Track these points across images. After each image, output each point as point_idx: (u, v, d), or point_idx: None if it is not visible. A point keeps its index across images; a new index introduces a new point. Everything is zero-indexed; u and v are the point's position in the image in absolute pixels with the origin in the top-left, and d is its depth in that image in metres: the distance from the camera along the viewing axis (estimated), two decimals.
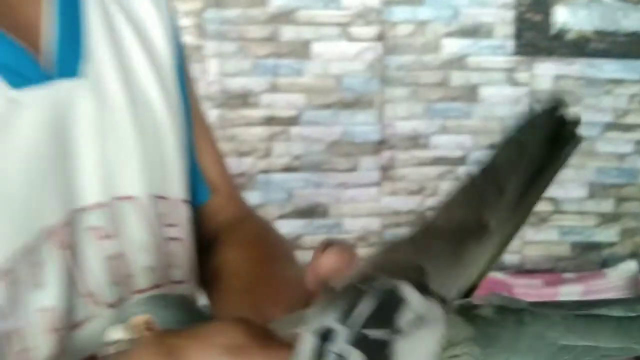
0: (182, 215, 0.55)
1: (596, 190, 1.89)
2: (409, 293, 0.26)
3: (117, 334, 0.37)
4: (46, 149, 0.44)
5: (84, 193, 0.47)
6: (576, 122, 0.30)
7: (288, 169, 1.75)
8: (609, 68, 1.87)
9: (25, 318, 0.42)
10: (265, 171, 1.73)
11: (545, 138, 0.29)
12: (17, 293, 0.41)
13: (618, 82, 1.88)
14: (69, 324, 0.45)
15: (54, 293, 0.44)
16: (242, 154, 1.71)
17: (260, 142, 1.73)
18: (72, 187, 0.46)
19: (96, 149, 0.48)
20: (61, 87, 0.45)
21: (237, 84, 1.69)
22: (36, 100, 0.44)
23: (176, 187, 0.55)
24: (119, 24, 0.52)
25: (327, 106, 1.74)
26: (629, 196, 1.92)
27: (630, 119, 1.90)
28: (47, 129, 0.44)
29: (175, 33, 0.58)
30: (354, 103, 1.76)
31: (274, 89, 1.71)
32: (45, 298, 0.43)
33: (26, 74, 0.44)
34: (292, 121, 1.73)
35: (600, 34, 1.86)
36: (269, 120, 1.72)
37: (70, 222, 0.45)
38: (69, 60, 0.47)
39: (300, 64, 1.71)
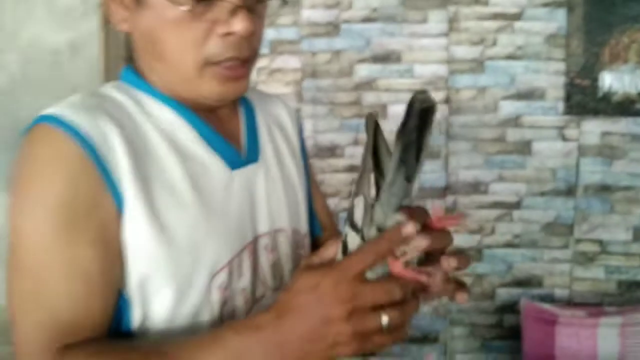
0: (306, 243, 0.86)
1: None
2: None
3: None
4: (244, 201, 0.74)
5: (260, 226, 0.77)
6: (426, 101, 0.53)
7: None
8: None
9: (233, 293, 0.71)
10: (346, 210, 2.04)
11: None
12: (232, 277, 0.70)
13: None
14: (253, 300, 0.74)
15: (247, 279, 0.73)
16: (329, 196, 2.05)
17: (343, 186, 2.06)
18: (256, 222, 0.76)
19: (265, 202, 0.78)
20: (251, 169, 0.77)
21: (327, 139, 2.04)
22: (240, 175, 0.75)
23: (303, 225, 0.86)
24: (273, 128, 0.86)
25: None
26: None
27: None
28: (245, 190, 0.75)
29: (300, 130, 0.92)
30: None
31: (356, 143, 2.05)
32: (244, 282, 0.72)
33: (235, 161, 0.75)
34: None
35: None
36: (351, 168, 2.05)
37: (254, 241, 0.75)
38: (253, 153, 0.79)
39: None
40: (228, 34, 0.65)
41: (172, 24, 0.65)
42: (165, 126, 0.69)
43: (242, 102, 0.84)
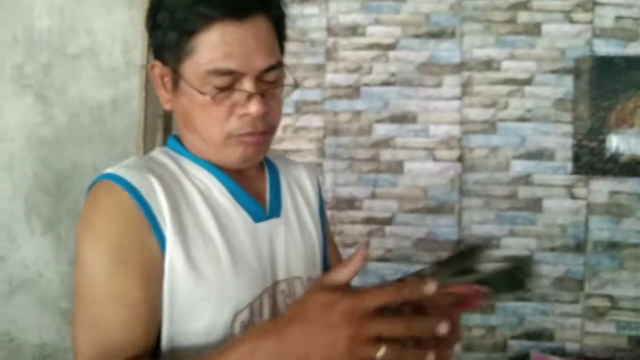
0: None
1: None
2: None
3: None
4: (266, 250, 0.86)
5: (279, 272, 0.88)
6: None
7: (381, 259, 2.17)
8: None
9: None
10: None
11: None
12: (253, 316, 0.80)
13: None
14: None
15: (266, 318, 0.82)
16: (347, 245, 2.15)
17: (360, 237, 2.16)
18: (275, 269, 0.87)
19: (284, 251, 0.89)
20: (274, 222, 0.90)
21: (346, 192, 2.16)
22: (263, 228, 0.87)
23: (318, 273, 0.96)
24: (295, 189, 0.98)
25: (416, 211, 2.17)
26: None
27: None
28: (267, 241, 0.86)
29: (319, 191, 1.03)
30: (437, 209, 2.17)
31: (373, 196, 2.16)
32: (263, 320, 0.82)
33: (259, 215, 0.87)
34: (387, 221, 2.16)
35: None
36: (369, 220, 2.16)
37: (274, 285, 0.86)
38: (276, 209, 0.91)
39: (395, 178, 2.16)
40: (245, 114, 0.79)
41: (200, 107, 0.80)
42: (200, 184, 0.83)
43: (268, 166, 0.98)
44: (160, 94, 0.85)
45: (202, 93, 0.78)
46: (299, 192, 0.99)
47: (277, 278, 0.87)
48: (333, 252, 1.07)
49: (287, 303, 0.87)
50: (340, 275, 0.60)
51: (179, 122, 0.87)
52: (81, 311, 0.73)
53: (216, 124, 0.80)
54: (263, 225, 0.87)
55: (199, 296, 0.75)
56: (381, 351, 0.55)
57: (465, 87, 2.16)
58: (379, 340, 0.56)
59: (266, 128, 0.82)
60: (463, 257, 0.65)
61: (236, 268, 0.79)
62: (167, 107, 0.86)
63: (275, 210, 0.91)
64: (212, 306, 0.76)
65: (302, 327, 0.59)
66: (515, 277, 0.63)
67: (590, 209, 2.15)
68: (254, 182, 0.92)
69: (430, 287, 0.56)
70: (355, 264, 0.60)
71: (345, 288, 0.60)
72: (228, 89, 0.78)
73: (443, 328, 0.55)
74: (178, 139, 0.90)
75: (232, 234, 0.82)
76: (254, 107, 0.78)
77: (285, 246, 0.90)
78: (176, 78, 0.81)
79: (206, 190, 0.84)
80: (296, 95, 2.13)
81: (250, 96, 0.78)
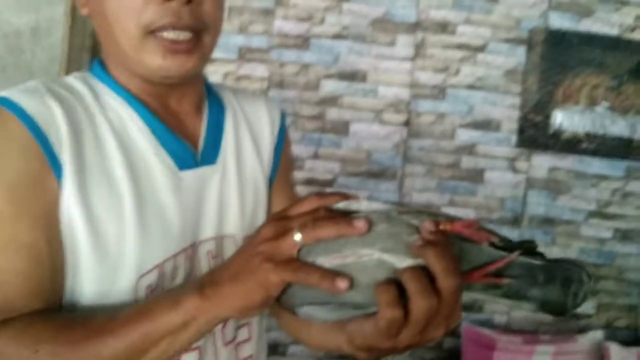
0: None
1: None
2: None
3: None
4: (190, 203, 0.74)
5: (206, 230, 0.76)
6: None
7: None
8: (596, 165, 2.18)
9: None
10: None
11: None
12: (162, 281, 0.70)
13: (603, 177, 2.18)
14: None
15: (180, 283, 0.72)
16: None
17: None
18: (200, 227, 0.75)
19: (216, 206, 0.77)
20: (206, 170, 0.76)
21: None
22: (191, 177, 0.74)
23: None
24: (243, 130, 0.84)
25: (358, 174, 2.10)
26: (605, 275, 2.20)
27: (611, 210, 2.19)
28: (193, 192, 0.74)
29: (281, 135, 0.88)
30: (380, 174, 2.11)
31: (316, 156, 2.07)
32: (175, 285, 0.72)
33: (187, 162, 0.74)
34: (328, 183, 2.09)
35: (591, 136, 2.19)
36: (310, 182, 2.07)
37: (195, 245, 0.74)
38: (212, 154, 0.78)
39: (339, 139, 2.07)
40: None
41: None
42: (115, 117, 0.71)
43: (210, 101, 0.83)
44: None
45: None
46: (249, 137, 0.85)
47: (200, 237, 0.76)
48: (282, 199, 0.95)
49: (211, 265, 0.76)
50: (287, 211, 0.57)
51: (98, 32, 0.73)
52: None
53: (131, 14, 0.66)
54: (190, 174, 0.75)
55: (94, 252, 0.65)
56: (297, 235, 0.53)
57: (419, 49, 2.07)
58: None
59: (195, 23, 0.68)
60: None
61: (142, 223, 0.68)
62: (83, 11, 0.72)
63: (209, 156, 0.78)
64: (109, 265, 0.66)
65: (228, 266, 0.57)
66: (564, 293, 0.53)
67: (530, 183, 2.16)
68: (187, 119, 0.78)
69: (360, 225, 0.52)
70: (301, 207, 0.56)
71: None
72: None
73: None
74: (102, 63, 0.75)
75: (145, 181, 0.70)
76: None
77: (218, 200, 0.78)
78: None
79: (120, 125, 0.70)
80: (240, 40, 1.97)
81: None
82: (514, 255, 0.52)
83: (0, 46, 1.88)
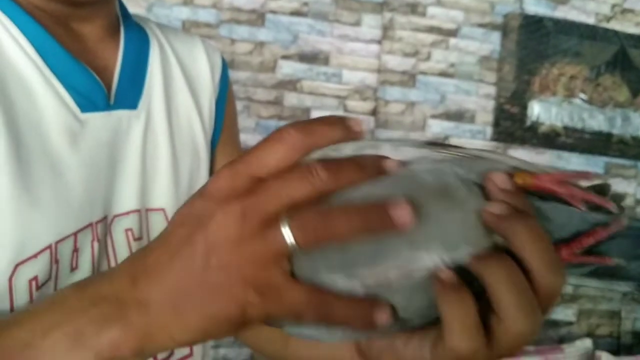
0: None
1: None
2: None
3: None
4: (101, 162, 0.53)
5: (124, 200, 0.55)
6: None
7: None
8: (575, 161, 2.06)
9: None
10: None
11: None
12: (57, 269, 0.48)
13: None
14: None
15: (85, 275, 0.50)
16: None
17: None
18: (115, 195, 0.54)
19: (138, 167, 0.56)
20: (122, 116, 0.55)
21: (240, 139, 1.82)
22: (98, 123, 0.53)
23: None
24: (175, 72, 0.64)
25: None
26: (586, 281, 2.06)
27: None
28: (105, 146, 0.53)
29: (224, 77, 0.69)
30: None
31: None
32: (76, 279, 0.51)
33: (95, 101, 0.53)
34: None
35: (569, 130, 2.06)
36: None
37: (106, 221, 0.53)
38: (131, 96, 0.57)
39: None
40: None
41: None
42: None
43: (128, 28, 0.60)
44: None
45: None
46: (182, 79, 0.64)
47: (115, 210, 0.54)
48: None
49: (133, 249, 0.55)
50: (257, 158, 0.32)
51: None
52: None
53: None
54: (98, 118, 0.53)
55: None
56: (287, 232, 0.29)
57: (386, 31, 1.88)
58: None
59: None
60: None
61: (23, 183, 0.46)
62: None
63: (127, 98, 0.57)
64: None
65: (160, 273, 0.32)
66: None
67: None
68: (96, 47, 0.57)
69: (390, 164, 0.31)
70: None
71: None
72: None
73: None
74: None
75: (30, 125, 0.48)
76: None
77: (141, 159, 0.56)
78: None
79: (3, 48, 0.48)
80: (185, 13, 1.73)
81: None
82: (624, 220, 0.33)
83: None
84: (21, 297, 0.44)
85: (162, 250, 0.33)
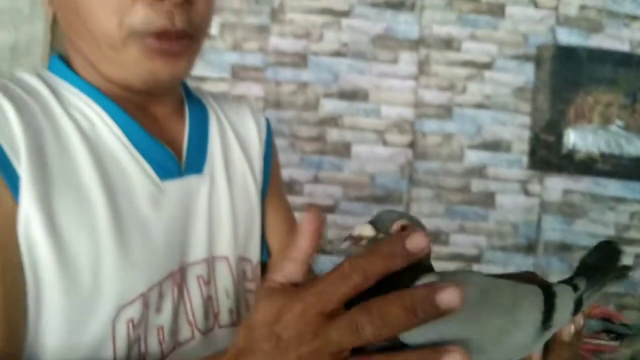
0: (258, 273, 0.72)
1: (600, 298, 2.04)
2: None
3: (366, 231, 0.41)
4: (177, 220, 0.62)
5: (196, 251, 0.64)
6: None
7: (321, 251, 1.95)
8: (613, 187, 2.06)
9: (148, 331, 0.58)
10: None
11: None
12: (146, 314, 0.58)
13: (621, 200, 2.06)
14: (173, 342, 0.61)
15: (168, 317, 0.60)
16: None
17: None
18: (188, 246, 0.64)
19: (205, 222, 0.66)
20: (192, 180, 0.65)
21: (285, 173, 1.92)
22: (175, 188, 0.63)
23: (255, 252, 0.73)
24: (230, 137, 0.74)
25: (361, 199, 1.96)
26: (627, 305, 2.06)
27: (631, 234, 2.06)
28: (179, 206, 0.63)
29: (269, 142, 0.79)
30: (384, 199, 1.97)
31: (316, 180, 1.94)
32: (162, 319, 0.60)
33: (170, 170, 0.63)
34: (330, 209, 1.95)
35: (606, 157, 2.08)
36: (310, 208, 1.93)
37: (183, 270, 0.63)
38: (198, 162, 0.67)
39: (340, 161, 1.94)
40: (157, 0, 0.56)
41: None
42: (82, 118, 0.60)
43: (190, 102, 0.71)
44: None
45: None
46: (236, 143, 0.74)
47: (188, 259, 0.64)
48: (287, 227, 0.80)
49: (203, 292, 0.65)
50: (288, 269, 0.40)
51: (64, 27, 0.62)
52: None
53: (114, 12, 0.55)
54: (174, 185, 0.64)
55: (62, 280, 0.52)
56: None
57: (422, 66, 1.97)
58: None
59: (189, 28, 0.58)
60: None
61: (121, 241, 0.56)
62: (50, 9, 0.61)
63: (195, 164, 0.67)
64: (82, 296, 0.53)
65: None
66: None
67: (544, 207, 2.03)
68: (167, 123, 0.68)
69: (419, 240, 0.35)
70: (305, 243, 0.40)
71: (299, 285, 0.40)
72: None
73: (450, 296, 0.33)
74: (64, 60, 0.64)
75: (122, 193, 0.58)
76: None
77: (207, 215, 0.66)
78: None
79: (89, 128, 0.59)
80: (234, 58, 1.86)
81: None
82: None
83: None
84: (120, 336, 0.55)
85: (248, 346, 0.40)
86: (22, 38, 1.76)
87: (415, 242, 0.35)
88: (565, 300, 0.44)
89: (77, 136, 0.57)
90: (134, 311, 0.56)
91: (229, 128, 0.75)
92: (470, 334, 0.37)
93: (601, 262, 0.46)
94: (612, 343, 1.72)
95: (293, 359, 0.38)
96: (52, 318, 0.52)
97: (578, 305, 0.44)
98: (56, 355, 0.52)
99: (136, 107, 0.63)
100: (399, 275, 0.36)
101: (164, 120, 0.67)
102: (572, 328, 0.46)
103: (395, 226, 0.41)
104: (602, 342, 1.69)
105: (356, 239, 0.41)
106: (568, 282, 0.46)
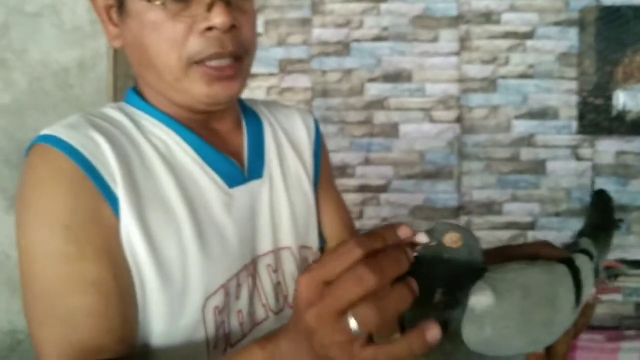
0: (317, 257, 0.83)
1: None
2: None
3: (422, 238, 0.45)
4: (245, 219, 0.73)
5: (263, 245, 0.76)
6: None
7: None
8: None
9: (229, 315, 0.69)
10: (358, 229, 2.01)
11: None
12: (228, 301, 0.69)
13: None
14: (252, 322, 0.73)
15: (245, 302, 0.72)
16: None
17: (354, 206, 2.03)
18: (257, 241, 0.75)
19: (268, 220, 0.77)
20: (254, 185, 0.76)
21: (337, 158, 2.01)
22: (241, 193, 0.74)
23: (315, 239, 0.84)
24: (283, 141, 0.84)
25: (412, 176, 2.03)
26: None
27: None
28: (246, 208, 0.74)
29: (318, 142, 0.89)
30: (435, 174, 2.03)
31: (366, 162, 2.02)
32: (241, 304, 0.71)
33: (236, 178, 0.74)
34: (382, 189, 2.03)
35: None
36: (362, 188, 2.02)
37: (254, 262, 0.74)
38: (258, 168, 0.78)
39: (389, 142, 2.01)
40: (208, 29, 0.65)
41: (152, 28, 0.65)
42: (159, 142, 0.70)
43: (246, 115, 0.82)
44: (107, 29, 0.72)
45: (150, 0, 0.65)
46: (289, 145, 0.85)
47: (258, 252, 0.76)
48: (337, 215, 0.91)
49: (273, 279, 0.76)
50: (327, 268, 0.43)
51: (133, 62, 0.73)
52: (36, 306, 0.61)
53: (173, 47, 0.65)
54: (241, 190, 0.75)
55: (160, 279, 0.64)
56: (352, 323, 0.41)
57: (463, 42, 2.00)
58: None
59: (238, 50, 0.68)
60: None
61: (202, 244, 0.67)
62: (116, 44, 0.72)
63: (255, 171, 0.78)
64: (176, 290, 0.65)
65: (288, 342, 0.47)
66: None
67: (596, 170, 2.03)
68: (228, 137, 0.79)
69: (405, 231, 0.44)
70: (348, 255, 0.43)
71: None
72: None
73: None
74: (138, 92, 0.76)
75: (199, 202, 0.70)
76: (217, 18, 0.64)
77: (270, 212, 0.78)
78: (121, 1, 0.69)
79: (165, 149, 0.70)
80: (280, 53, 1.95)
81: (211, 4, 0.64)
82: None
83: (50, 84, 1.93)
84: (209, 320, 0.67)
85: (290, 327, 0.47)
86: (88, 54, 1.91)
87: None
88: (587, 273, 0.51)
89: (157, 158, 0.68)
90: (217, 299, 0.67)
91: (281, 131, 0.85)
92: (522, 335, 0.45)
93: (601, 220, 0.53)
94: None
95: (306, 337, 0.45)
96: (154, 309, 0.63)
97: (596, 274, 0.52)
98: (161, 338, 0.64)
99: (201, 125, 0.74)
100: (457, 277, 0.45)
101: (226, 134, 0.78)
102: (594, 291, 0.54)
103: (447, 237, 0.46)
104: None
105: (413, 245, 0.45)
106: (581, 250, 0.53)
